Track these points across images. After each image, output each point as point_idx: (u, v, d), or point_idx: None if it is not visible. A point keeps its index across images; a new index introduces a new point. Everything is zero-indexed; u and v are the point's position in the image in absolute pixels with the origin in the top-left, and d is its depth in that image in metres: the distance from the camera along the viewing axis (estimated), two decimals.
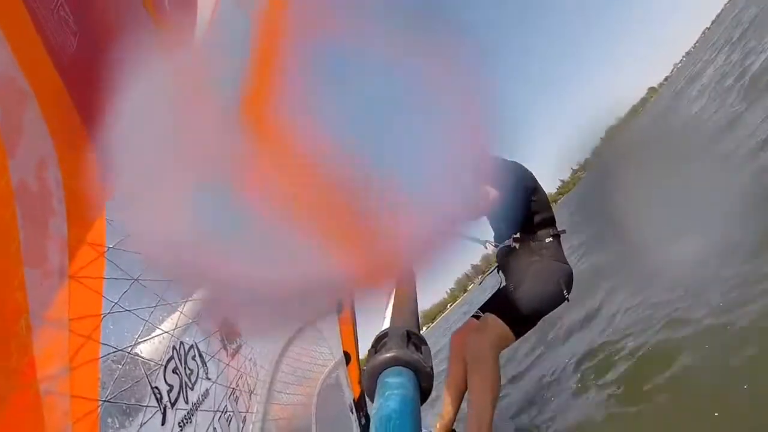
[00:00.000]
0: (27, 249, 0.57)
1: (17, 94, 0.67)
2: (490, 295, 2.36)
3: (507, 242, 2.21)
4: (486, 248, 2.32)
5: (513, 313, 1.96)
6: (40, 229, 0.61)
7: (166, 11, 1.47)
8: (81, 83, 0.85)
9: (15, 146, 0.61)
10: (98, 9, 0.99)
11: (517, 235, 2.19)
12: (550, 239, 2.17)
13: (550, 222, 2.26)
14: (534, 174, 2.33)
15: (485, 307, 2.21)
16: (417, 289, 0.89)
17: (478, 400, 1.80)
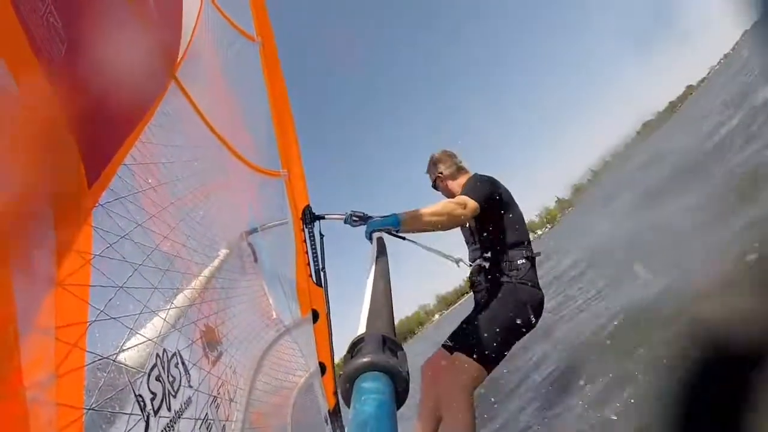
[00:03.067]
0: (15, 256, 0.57)
1: (6, 101, 0.67)
2: (462, 320, 2.27)
3: (478, 261, 2.17)
4: (458, 267, 2.27)
5: (481, 349, 1.91)
6: (28, 237, 0.61)
7: (154, 17, 1.48)
8: (69, 90, 0.85)
9: (1, 153, 0.61)
10: (87, 15, 0.99)
11: (488, 255, 2.13)
12: (523, 261, 2.09)
13: (524, 243, 2.18)
14: (509, 191, 2.31)
15: (455, 340, 2.13)
16: (392, 294, 0.90)
17: None
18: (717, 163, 5.62)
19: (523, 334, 2.03)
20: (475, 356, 1.89)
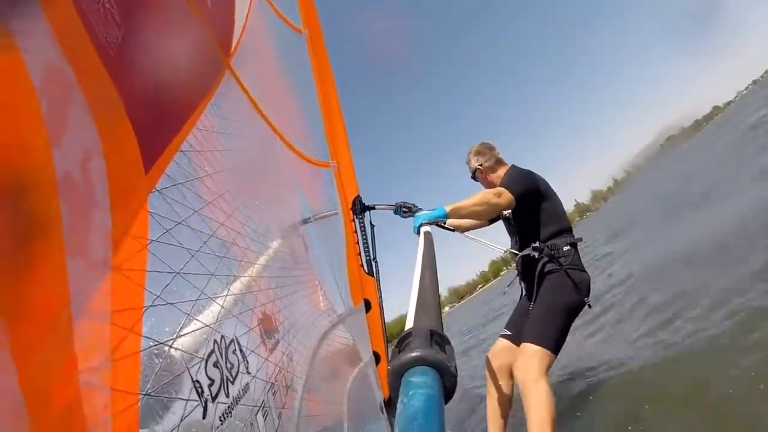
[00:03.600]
0: (70, 240, 0.56)
1: (63, 86, 0.67)
2: (515, 309, 2.47)
3: (527, 251, 2.26)
4: (505, 253, 2.39)
5: (548, 335, 2.02)
6: (83, 220, 0.61)
7: (208, 7, 1.49)
8: (126, 75, 0.85)
9: (60, 137, 0.60)
10: (142, 2, 0.99)
11: (537, 245, 2.23)
12: (568, 247, 2.22)
13: (567, 230, 2.32)
14: (549, 183, 2.41)
15: (515, 329, 2.30)
16: (438, 288, 0.88)
17: (538, 426, 1.82)
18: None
19: (579, 312, 2.17)
20: (544, 344, 1.99)
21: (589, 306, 2.17)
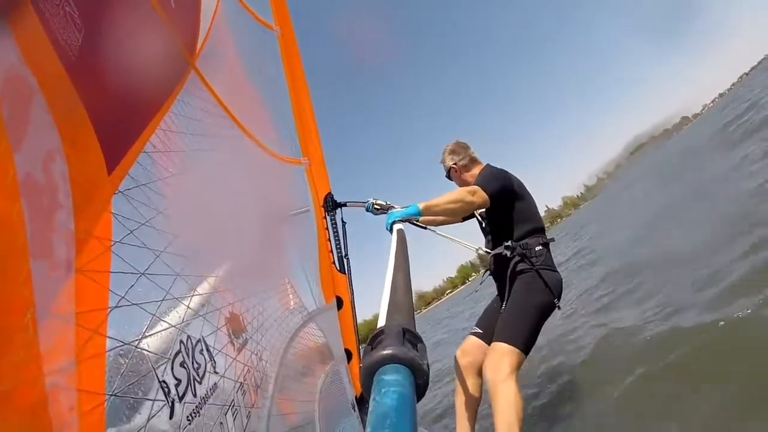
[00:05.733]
0: (34, 242, 0.57)
1: (23, 89, 0.67)
2: (487, 307, 2.47)
3: (499, 249, 2.26)
4: (477, 253, 2.37)
5: (519, 334, 2.03)
6: (46, 223, 0.61)
7: (171, 7, 1.47)
8: (87, 78, 0.85)
9: (21, 140, 0.61)
10: (104, 5, 0.99)
11: (509, 243, 2.23)
12: (540, 247, 2.23)
13: (540, 230, 2.32)
14: (522, 182, 2.42)
15: (486, 327, 2.30)
16: (411, 286, 0.90)
17: (506, 427, 1.83)
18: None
19: (550, 314, 2.18)
20: (514, 343, 2.00)
21: (558, 308, 2.19)
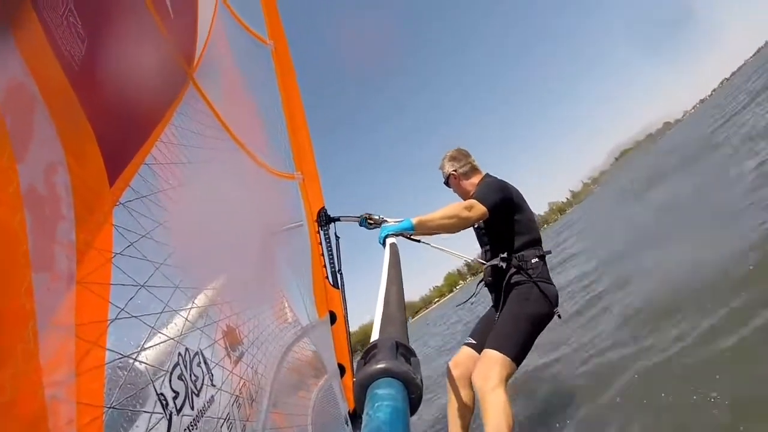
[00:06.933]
0: (35, 254, 0.56)
1: (27, 99, 0.67)
2: (482, 318, 2.43)
3: (494, 261, 2.25)
4: (471, 263, 2.35)
5: (510, 343, 2.01)
6: (48, 234, 0.61)
7: (171, 19, 1.49)
8: (90, 88, 0.85)
9: (24, 151, 0.61)
10: (106, 15, 0.99)
11: (504, 255, 2.22)
12: (536, 260, 2.21)
13: (536, 242, 2.30)
14: (522, 194, 2.39)
15: (479, 337, 2.27)
16: (404, 300, 0.90)
17: None
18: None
19: (545, 326, 2.16)
20: (506, 352, 1.98)
21: (559, 316, 2.17)
